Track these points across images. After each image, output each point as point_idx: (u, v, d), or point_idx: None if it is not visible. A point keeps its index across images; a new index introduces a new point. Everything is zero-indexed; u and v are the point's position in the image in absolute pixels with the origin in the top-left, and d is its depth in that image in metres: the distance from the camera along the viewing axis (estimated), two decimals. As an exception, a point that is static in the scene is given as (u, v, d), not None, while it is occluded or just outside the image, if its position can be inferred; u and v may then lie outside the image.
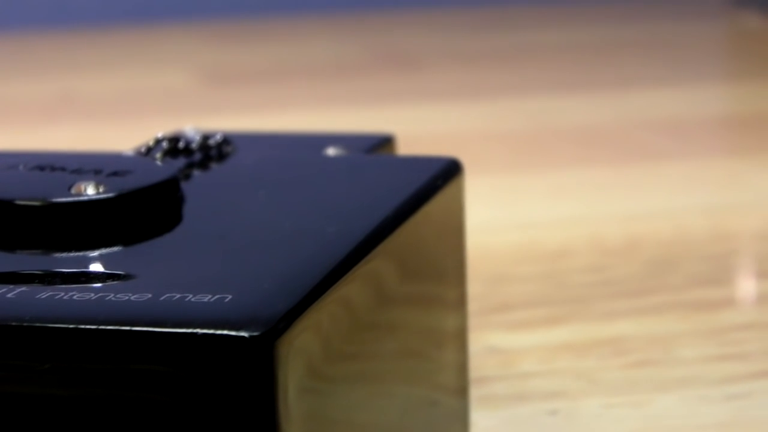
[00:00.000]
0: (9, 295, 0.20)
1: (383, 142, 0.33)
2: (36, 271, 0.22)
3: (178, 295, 0.20)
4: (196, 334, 0.18)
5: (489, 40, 1.04)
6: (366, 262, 0.22)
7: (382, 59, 0.95)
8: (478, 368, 0.34)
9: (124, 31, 1.13)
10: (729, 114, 0.76)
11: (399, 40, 1.06)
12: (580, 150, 0.63)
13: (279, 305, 0.19)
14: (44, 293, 0.20)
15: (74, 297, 0.20)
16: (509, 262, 0.44)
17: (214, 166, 0.29)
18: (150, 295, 0.20)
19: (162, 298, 0.20)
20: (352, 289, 0.22)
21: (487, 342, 0.36)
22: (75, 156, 0.27)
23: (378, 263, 0.23)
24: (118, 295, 0.20)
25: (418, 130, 0.66)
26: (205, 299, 0.19)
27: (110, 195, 0.24)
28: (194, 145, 0.29)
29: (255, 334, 0.18)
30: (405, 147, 0.35)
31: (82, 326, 0.19)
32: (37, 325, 0.19)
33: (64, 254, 0.22)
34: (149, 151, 0.29)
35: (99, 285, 0.21)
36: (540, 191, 0.55)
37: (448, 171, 0.28)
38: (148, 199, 0.24)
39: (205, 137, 0.29)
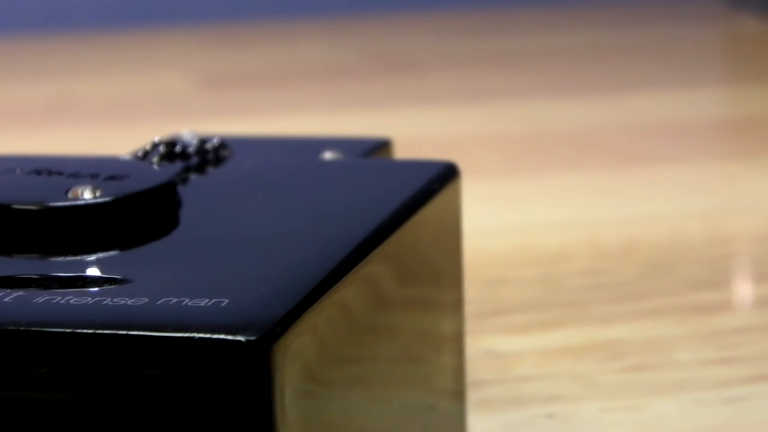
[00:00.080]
0: (6, 299, 0.20)
1: (380, 146, 0.33)
2: (33, 275, 0.22)
3: (175, 300, 0.20)
4: (192, 338, 0.18)
5: (485, 43, 1.04)
6: (363, 266, 0.22)
7: (379, 63, 0.95)
8: (475, 372, 0.34)
9: (121, 34, 1.13)
10: (726, 117, 0.76)
11: (396, 43, 1.06)
12: (577, 153, 0.63)
13: (276, 309, 0.19)
14: (41, 297, 0.20)
15: (71, 301, 0.20)
16: (506, 265, 0.44)
17: (211, 170, 0.29)
18: (147, 300, 0.20)
19: (159, 302, 0.20)
20: (348, 292, 0.22)
21: (484, 345, 0.36)
22: (72, 160, 0.27)
23: (375, 267, 0.23)
24: (114, 300, 0.20)
25: (415, 134, 0.66)
26: (202, 303, 0.19)
27: (107, 199, 0.24)
28: (191, 149, 0.29)
29: (252, 338, 0.18)
30: (402, 151, 0.35)
31: (79, 330, 0.19)
32: (34, 329, 0.19)
33: (61, 258, 0.22)
34: (146, 155, 0.29)
35: (96, 289, 0.21)
36: (537, 195, 0.55)
37: (445, 175, 0.28)
38: (144, 203, 0.24)
39: (202, 141, 0.29)
